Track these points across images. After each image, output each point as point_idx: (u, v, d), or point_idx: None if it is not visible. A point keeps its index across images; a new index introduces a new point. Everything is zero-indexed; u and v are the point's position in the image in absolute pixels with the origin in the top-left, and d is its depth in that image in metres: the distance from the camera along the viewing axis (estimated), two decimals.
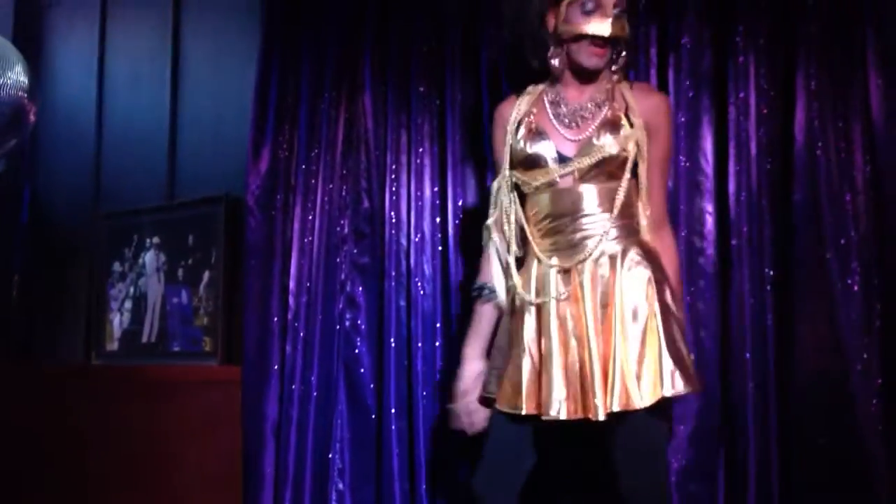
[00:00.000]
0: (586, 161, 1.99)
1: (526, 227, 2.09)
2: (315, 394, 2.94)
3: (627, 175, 2.00)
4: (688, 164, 2.43)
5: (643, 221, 2.05)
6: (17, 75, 3.44)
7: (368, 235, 2.95)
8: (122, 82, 4.12)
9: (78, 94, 4.27)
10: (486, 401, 2.09)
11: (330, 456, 2.91)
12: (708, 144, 2.42)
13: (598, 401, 1.86)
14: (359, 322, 2.94)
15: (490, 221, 2.16)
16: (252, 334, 3.11)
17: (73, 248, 4.17)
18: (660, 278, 1.98)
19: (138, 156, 3.95)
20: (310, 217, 3.05)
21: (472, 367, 2.15)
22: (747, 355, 2.32)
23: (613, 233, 1.99)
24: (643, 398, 1.86)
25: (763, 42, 2.39)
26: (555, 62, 2.06)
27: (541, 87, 2.15)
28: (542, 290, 2.00)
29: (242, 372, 3.13)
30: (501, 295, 2.13)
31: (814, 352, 2.24)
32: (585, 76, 2.07)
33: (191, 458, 3.37)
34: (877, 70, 2.24)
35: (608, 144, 1.99)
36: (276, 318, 3.07)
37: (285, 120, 3.17)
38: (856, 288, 2.21)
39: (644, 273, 1.96)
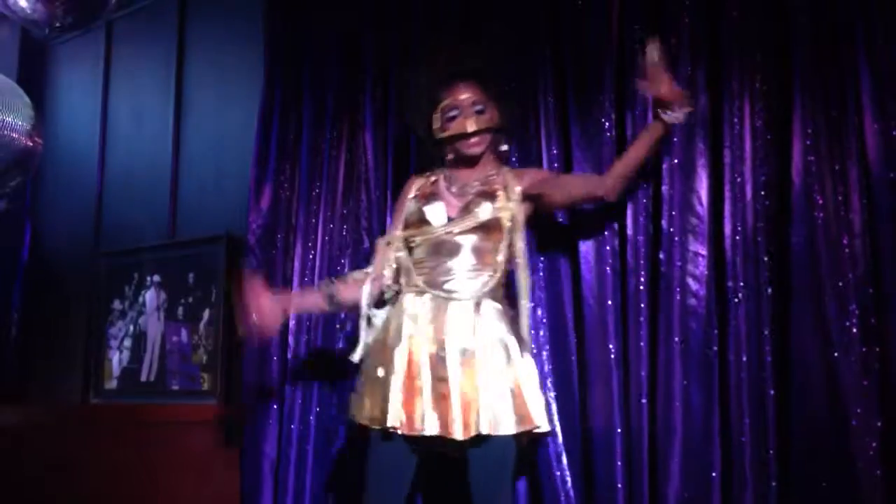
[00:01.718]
0: (466, 222, 2.36)
1: (411, 269, 2.39)
2: (314, 434, 2.93)
3: (503, 243, 2.36)
4: (682, 207, 2.44)
5: (523, 276, 2.38)
6: (22, 114, 3.48)
7: None
8: (125, 121, 4.16)
9: (81, 133, 4.31)
10: (362, 429, 2.34)
11: (328, 495, 2.89)
12: (702, 187, 2.43)
13: (457, 425, 2.17)
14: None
15: (370, 269, 2.48)
16: (251, 373, 3.11)
17: (73, 286, 4.18)
18: (515, 330, 2.33)
19: (140, 194, 3.98)
20: (310, 256, 3.07)
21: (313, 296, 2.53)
22: (744, 398, 2.30)
23: (479, 285, 2.33)
24: (493, 428, 2.18)
25: (758, 85, 2.40)
26: (448, 155, 2.48)
27: (434, 170, 2.54)
28: (415, 324, 2.30)
29: (242, 411, 3.12)
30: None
31: (812, 395, 2.23)
32: (469, 162, 2.46)
33: (189, 497, 3.35)
34: (873, 113, 2.25)
35: (483, 210, 2.36)
36: (275, 358, 3.07)
37: (287, 158, 3.20)
38: (854, 331, 2.20)
39: (502, 324, 2.31)
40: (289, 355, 3.03)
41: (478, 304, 2.30)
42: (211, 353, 3.52)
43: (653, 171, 2.50)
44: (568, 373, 2.56)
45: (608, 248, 2.53)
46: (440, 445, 2.24)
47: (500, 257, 2.36)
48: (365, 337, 2.41)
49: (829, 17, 2.33)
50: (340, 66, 3.15)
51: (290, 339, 3.04)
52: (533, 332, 2.58)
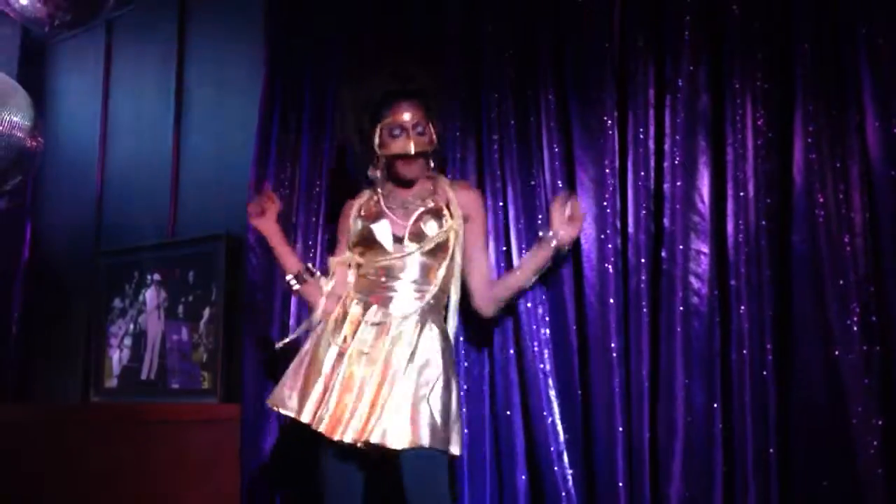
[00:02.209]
0: (415, 245, 2.41)
1: (352, 285, 2.48)
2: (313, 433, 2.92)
3: (445, 262, 2.43)
4: (684, 205, 2.45)
5: (454, 297, 2.48)
6: (23, 114, 3.47)
7: None
8: (126, 119, 4.16)
9: (81, 132, 4.31)
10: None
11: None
12: (704, 185, 2.43)
13: (353, 429, 2.23)
14: None
15: (328, 288, 2.53)
16: (251, 372, 3.11)
17: (73, 285, 4.18)
18: (449, 350, 2.39)
19: (140, 193, 3.98)
20: (310, 255, 3.06)
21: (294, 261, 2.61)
22: (746, 397, 2.31)
23: (422, 304, 2.39)
24: (395, 442, 2.21)
25: (760, 83, 2.40)
26: (377, 173, 2.52)
27: (373, 188, 2.57)
28: (349, 334, 2.37)
29: (242, 410, 3.12)
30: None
31: (813, 394, 2.23)
32: (405, 183, 2.50)
33: (189, 496, 3.35)
34: (874, 112, 2.25)
35: (434, 231, 2.41)
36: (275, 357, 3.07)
37: (287, 157, 3.20)
38: (855, 329, 2.21)
39: (437, 343, 2.35)
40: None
41: (420, 323, 2.35)
42: (211, 351, 3.52)
43: (655, 169, 2.50)
44: (569, 371, 2.55)
45: (610, 246, 2.53)
46: (371, 452, 2.28)
47: (442, 273, 2.42)
48: (296, 332, 2.63)
49: (830, 16, 2.33)
50: (340, 65, 3.14)
51: (291, 321, 3.04)
52: (534, 329, 2.58)
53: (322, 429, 2.27)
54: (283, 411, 2.40)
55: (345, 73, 2.83)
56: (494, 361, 2.66)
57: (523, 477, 2.58)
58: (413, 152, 2.43)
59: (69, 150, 4.35)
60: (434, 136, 2.49)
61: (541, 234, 2.48)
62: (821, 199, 2.27)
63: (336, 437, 2.24)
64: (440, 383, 2.29)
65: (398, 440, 2.21)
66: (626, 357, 2.48)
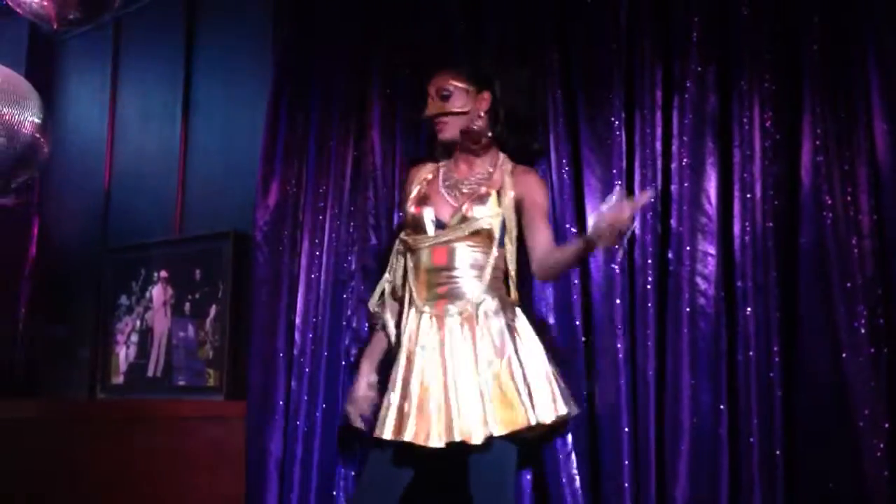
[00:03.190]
0: (459, 231, 2.34)
1: (410, 279, 2.41)
2: (320, 430, 2.93)
3: (495, 246, 2.35)
4: (691, 206, 2.44)
5: (511, 280, 2.42)
6: (31, 110, 3.48)
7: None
8: (133, 117, 4.17)
9: (89, 129, 4.32)
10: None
11: (334, 493, 2.89)
12: (712, 186, 2.43)
13: (437, 432, 2.18)
14: None
15: (387, 275, 2.52)
16: (257, 370, 3.11)
17: (80, 282, 4.19)
18: (513, 327, 2.32)
19: (147, 190, 3.99)
20: (317, 253, 3.07)
21: (365, 379, 2.50)
22: (752, 398, 2.30)
23: (478, 292, 2.32)
24: (479, 435, 2.17)
25: (768, 85, 2.40)
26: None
27: (436, 158, 2.53)
28: (413, 337, 2.32)
29: (247, 407, 3.12)
30: (391, 329, 2.50)
31: (820, 395, 2.23)
32: (450, 149, 2.47)
33: (194, 493, 3.36)
34: (882, 114, 2.25)
35: (477, 217, 2.34)
36: (281, 354, 3.07)
37: (294, 155, 3.20)
38: (862, 331, 2.20)
39: (494, 326, 2.30)
40: (295, 351, 3.03)
41: (471, 314, 2.31)
42: (217, 349, 3.52)
43: (662, 170, 2.50)
44: (576, 372, 2.55)
45: (616, 247, 2.52)
46: (439, 453, 2.22)
47: (491, 262, 2.35)
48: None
49: (838, 18, 2.33)
50: (348, 64, 3.14)
51: (297, 336, 3.04)
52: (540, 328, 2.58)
53: (404, 436, 2.20)
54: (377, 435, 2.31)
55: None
56: None
57: (528, 477, 2.58)
58: (426, 115, 2.42)
59: (77, 147, 4.36)
60: (467, 101, 2.40)
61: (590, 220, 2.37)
62: (828, 201, 2.27)
63: (420, 442, 2.19)
64: (504, 366, 2.25)
65: (476, 435, 2.17)
66: (632, 358, 2.48)
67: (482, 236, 2.35)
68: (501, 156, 2.48)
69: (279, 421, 3.05)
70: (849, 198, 2.26)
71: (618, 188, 2.31)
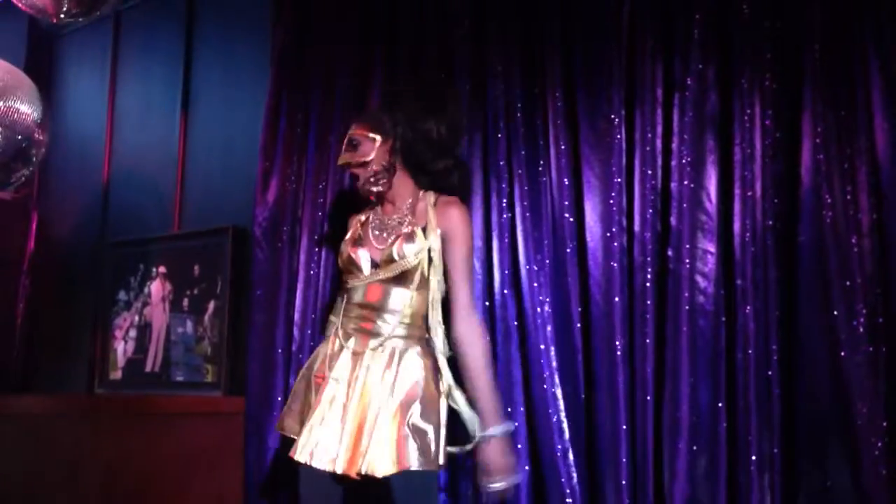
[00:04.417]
0: (390, 271, 2.34)
1: (339, 313, 2.43)
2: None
3: (415, 283, 2.34)
4: (691, 204, 2.45)
5: (433, 319, 2.37)
6: (30, 105, 3.47)
7: None
8: (133, 113, 4.16)
9: (88, 124, 4.31)
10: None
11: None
12: (712, 184, 2.43)
13: (341, 461, 2.20)
14: None
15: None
16: (256, 366, 3.11)
17: (79, 276, 4.19)
18: (435, 370, 2.32)
19: (146, 185, 3.98)
20: (316, 249, 3.07)
21: None
22: (751, 396, 2.31)
23: (400, 330, 2.33)
24: (382, 469, 2.16)
25: (769, 83, 2.40)
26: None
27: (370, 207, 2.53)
28: (332, 367, 2.33)
29: (246, 403, 3.12)
30: None
31: (819, 394, 2.23)
32: (389, 196, 2.45)
33: (193, 488, 3.36)
34: (882, 113, 2.25)
35: (406, 256, 2.33)
36: (280, 350, 3.08)
37: (294, 151, 3.20)
38: (861, 330, 2.21)
39: (417, 366, 2.29)
40: (293, 348, 3.03)
41: (395, 349, 2.30)
42: (216, 344, 3.52)
43: (662, 168, 2.50)
44: (574, 369, 2.56)
45: (616, 244, 2.53)
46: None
47: (413, 299, 2.34)
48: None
49: (839, 16, 2.33)
50: (348, 60, 3.14)
51: (295, 332, 3.04)
52: (539, 326, 2.58)
53: (304, 459, 2.23)
54: (286, 434, 2.41)
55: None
56: (497, 359, 2.66)
57: (527, 473, 2.58)
58: (339, 164, 2.47)
59: (76, 141, 4.35)
60: (372, 149, 2.39)
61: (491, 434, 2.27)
62: (828, 200, 2.27)
63: (324, 468, 2.21)
64: (419, 407, 2.23)
65: (385, 468, 2.16)
66: (630, 355, 2.48)
67: (411, 274, 2.34)
68: (422, 192, 2.44)
69: (278, 416, 3.05)
70: (849, 196, 2.27)
71: None
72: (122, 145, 4.17)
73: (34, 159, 3.55)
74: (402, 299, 2.34)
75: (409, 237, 2.35)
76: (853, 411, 2.19)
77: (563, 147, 2.65)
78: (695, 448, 2.36)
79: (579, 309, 2.58)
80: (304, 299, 3.04)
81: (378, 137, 2.41)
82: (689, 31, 2.49)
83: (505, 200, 2.70)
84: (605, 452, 2.45)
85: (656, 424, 2.42)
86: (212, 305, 3.58)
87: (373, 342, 2.32)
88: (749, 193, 2.37)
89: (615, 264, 2.52)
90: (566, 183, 2.63)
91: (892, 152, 2.23)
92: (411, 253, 2.33)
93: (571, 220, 2.63)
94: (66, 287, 4.24)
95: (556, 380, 2.57)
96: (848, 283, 2.23)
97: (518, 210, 2.67)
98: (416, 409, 2.23)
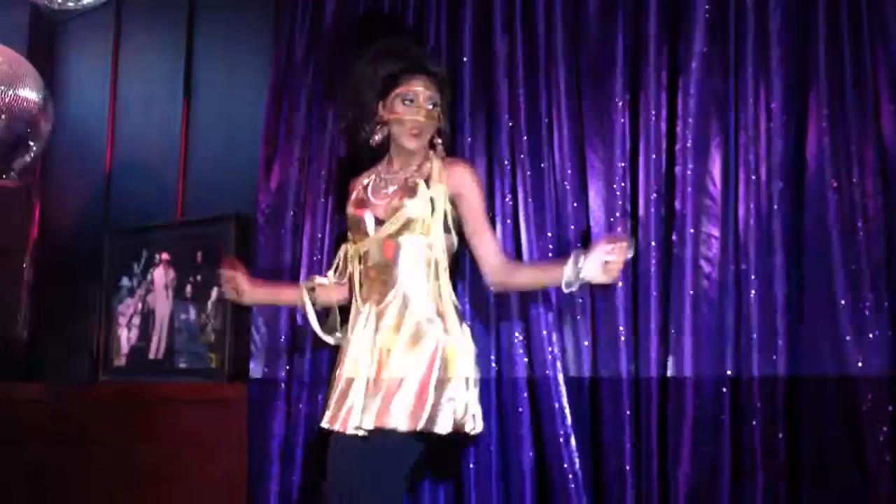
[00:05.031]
0: (394, 223, 2.36)
1: (356, 280, 2.46)
2: (322, 414, 2.93)
3: (434, 233, 2.38)
4: (695, 188, 2.43)
5: (442, 270, 2.39)
6: (32, 92, 3.47)
7: None
8: (135, 100, 4.16)
9: (91, 111, 4.31)
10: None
11: None
12: (716, 168, 2.41)
13: (355, 418, 2.24)
14: None
15: (330, 273, 2.60)
16: (259, 352, 3.11)
17: (82, 264, 4.19)
18: (448, 330, 2.33)
19: (149, 172, 3.98)
20: (319, 235, 3.06)
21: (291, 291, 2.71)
22: (754, 381, 2.30)
23: (417, 284, 2.35)
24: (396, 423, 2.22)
25: (774, 66, 2.38)
26: (384, 144, 2.50)
27: (374, 167, 2.55)
28: (352, 328, 2.40)
29: (249, 390, 3.12)
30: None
31: (823, 379, 2.22)
32: (405, 154, 2.46)
33: (196, 475, 3.37)
34: (889, 95, 2.23)
35: (408, 207, 2.36)
36: (283, 337, 3.07)
37: (296, 137, 3.18)
38: (867, 314, 2.19)
39: (435, 328, 2.31)
40: (296, 334, 3.03)
41: (403, 308, 2.33)
42: (219, 331, 3.52)
43: (667, 152, 2.49)
44: (578, 354, 2.55)
45: (620, 229, 2.51)
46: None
47: (426, 254, 2.37)
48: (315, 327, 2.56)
49: None
50: (350, 45, 3.12)
51: (299, 319, 3.04)
52: (542, 312, 2.57)
53: (326, 423, 2.31)
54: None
55: (360, 50, 2.70)
56: (500, 345, 2.65)
57: (530, 459, 2.58)
58: (423, 120, 2.40)
59: (78, 129, 4.35)
60: (442, 118, 2.47)
61: (573, 254, 2.25)
62: (834, 184, 2.26)
63: (337, 428, 2.27)
64: (445, 365, 2.28)
65: (400, 422, 2.22)
66: (634, 340, 2.47)
67: (416, 226, 2.37)
68: (430, 153, 2.48)
69: (281, 403, 3.05)
70: (855, 180, 2.25)
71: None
72: (124, 132, 4.17)
73: (37, 147, 3.55)
74: (414, 251, 2.37)
75: (412, 189, 2.39)
76: (858, 397, 2.18)
77: (566, 131, 2.63)
78: (699, 433, 2.35)
79: (583, 294, 2.56)
80: None
81: (442, 98, 2.48)
82: (695, 14, 2.47)
83: (508, 185, 2.69)
84: (608, 437, 2.45)
85: (660, 409, 2.41)
86: (215, 292, 3.57)
87: (385, 302, 2.35)
88: (754, 177, 2.35)
89: None
90: (569, 167, 2.62)
91: None
92: (414, 203, 2.36)
93: (575, 204, 2.62)
94: (69, 274, 4.25)
95: (559, 365, 2.56)
96: (854, 267, 2.22)
97: (521, 195, 2.65)
98: (441, 366, 2.27)
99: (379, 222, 2.41)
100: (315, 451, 2.54)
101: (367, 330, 2.35)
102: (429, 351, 2.29)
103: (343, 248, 2.56)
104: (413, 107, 2.41)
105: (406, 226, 2.36)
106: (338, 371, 2.39)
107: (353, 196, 2.52)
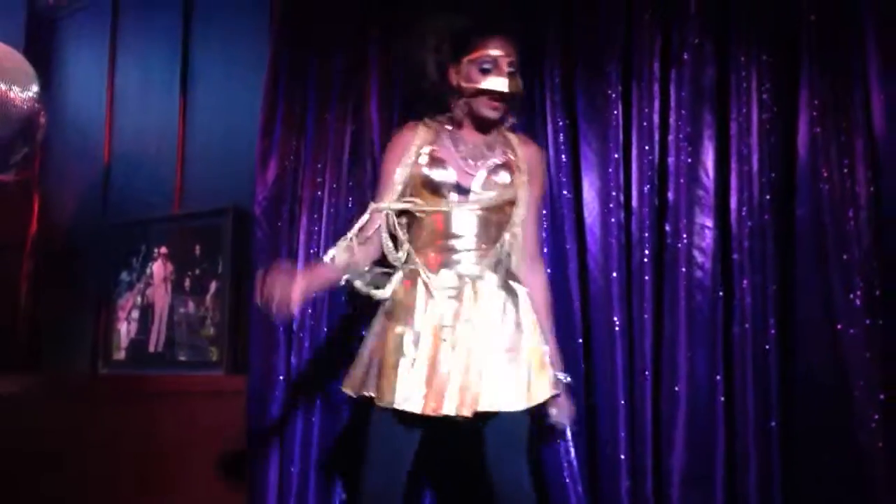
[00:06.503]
0: (487, 196, 2.20)
1: (414, 247, 2.25)
2: (320, 406, 2.95)
3: (517, 212, 2.23)
4: (688, 179, 2.44)
5: (514, 256, 2.25)
6: (28, 85, 3.47)
7: None
8: (132, 93, 4.15)
9: (88, 105, 4.30)
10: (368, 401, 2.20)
11: (334, 469, 2.91)
12: (709, 159, 2.43)
13: (452, 402, 2.04)
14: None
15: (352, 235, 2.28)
16: (257, 345, 3.13)
17: (81, 257, 4.19)
18: (525, 301, 2.19)
19: (147, 166, 3.98)
20: (316, 227, 3.07)
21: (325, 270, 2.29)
22: (748, 370, 2.32)
23: (492, 259, 2.20)
24: (491, 406, 2.07)
25: (766, 57, 2.40)
26: (457, 111, 2.27)
27: (438, 122, 2.31)
28: (426, 307, 2.15)
29: (248, 382, 3.14)
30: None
31: (816, 367, 2.24)
32: (484, 125, 2.27)
33: (196, 467, 3.38)
34: (879, 85, 2.24)
35: (506, 184, 2.21)
36: (281, 329, 3.08)
37: (293, 130, 3.19)
38: (858, 303, 2.21)
39: (513, 298, 2.18)
40: (294, 327, 3.05)
41: (492, 282, 2.18)
42: (218, 324, 3.54)
43: (659, 143, 2.50)
44: (572, 345, 2.56)
45: (613, 220, 2.53)
46: (449, 422, 2.09)
47: (506, 234, 2.23)
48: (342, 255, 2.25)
49: None
50: (346, 37, 3.13)
51: (296, 311, 3.04)
52: None
53: (411, 407, 2.07)
54: (365, 393, 2.18)
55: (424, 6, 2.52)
56: None
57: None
58: (506, 90, 2.18)
59: (76, 122, 4.34)
60: (521, 83, 2.25)
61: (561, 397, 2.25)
62: (825, 174, 2.27)
63: (441, 413, 2.05)
64: (526, 338, 2.14)
65: (509, 403, 2.07)
66: (629, 330, 2.49)
67: (505, 206, 2.23)
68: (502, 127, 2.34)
69: (280, 395, 3.07)
70: (845, 170, 2.27)
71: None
72: (122, 126, 4.17)
73: (34, 142, 3.55)
74: (491, 226, 2.21)
75: (508, 167, 2.24)
76: (850, 384, 2.20)
77: (560, 123, 2.64)
78: (693, 422, 2.37)
79: (577, 284, 2.58)
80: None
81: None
82: (687, 5, 2.48)
83: None
84: (603, 426, 2.47)
85: (654, 398, 2.43)
86: (213, 285, 3.59)
87: (467, 275, 2.16)
88: (746, 168, 2.37)
89: (613, 240, 2.52)
90: (564, 159, 2.63)
91: (888, 125, 2.22)
92: (512, 182, 2.22)
93: (569, 196, 2.63)
94: (68, 268, 4.25)
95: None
96: (845, 256, 2.23)
97: None
98: (523, 343, 2.14)
99: (463, 191, 2.20)
100: (384, 442, 2.19)
101: (448, 304, 2.13)
102: (528, 321, 2.17)
103: (374, 206, 2.29)
104: (493, 73, 2.19)
105: (495, 205, 2.20)
106: (402, 352, 2.12)
107: (428, 154, 2.25)
